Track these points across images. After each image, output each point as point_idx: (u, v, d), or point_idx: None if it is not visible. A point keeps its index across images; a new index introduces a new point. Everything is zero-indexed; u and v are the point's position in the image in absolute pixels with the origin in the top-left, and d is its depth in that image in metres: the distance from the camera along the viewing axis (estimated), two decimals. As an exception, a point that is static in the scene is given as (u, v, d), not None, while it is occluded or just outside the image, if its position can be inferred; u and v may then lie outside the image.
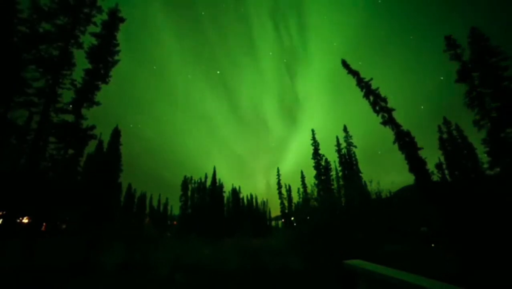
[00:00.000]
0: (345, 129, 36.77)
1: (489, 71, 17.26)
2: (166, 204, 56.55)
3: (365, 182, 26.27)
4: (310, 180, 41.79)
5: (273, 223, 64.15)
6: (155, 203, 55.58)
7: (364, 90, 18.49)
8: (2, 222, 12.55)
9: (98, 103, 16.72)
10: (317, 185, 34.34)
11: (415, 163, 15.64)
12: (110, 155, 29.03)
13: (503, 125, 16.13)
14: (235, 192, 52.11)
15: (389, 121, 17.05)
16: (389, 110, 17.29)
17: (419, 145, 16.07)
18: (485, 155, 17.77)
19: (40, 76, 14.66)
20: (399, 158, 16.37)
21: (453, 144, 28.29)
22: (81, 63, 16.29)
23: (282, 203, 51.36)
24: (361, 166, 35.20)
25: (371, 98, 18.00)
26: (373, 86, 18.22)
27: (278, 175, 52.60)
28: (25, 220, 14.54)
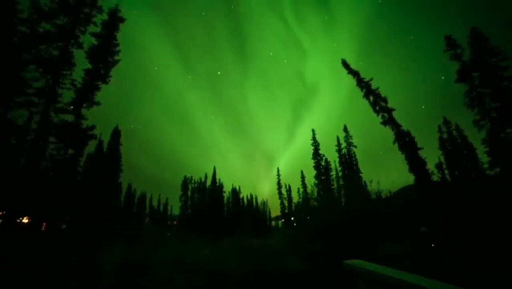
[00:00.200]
0: (345, 129, 36.78)
1: (489, 71, 17.26)
2: (166, 204, 56.58)
3: (365, 182, 26.28)
4: (310, 180, 41.83)
5: (273, 223, 64.15)
6: (155, 203, 55.65)
7: (364, 90, 18.49)
8: (2, 222, 12.56)
9: (98, 103, 16.72)
10: (317, 185, 34.34)
11: (415, 163, 15.64)
12: (110, 155, 29.04)
13: (503, 125, 16.13)
14: (235, 192, 52.12)
15: (389, 121, 17.05)
16: (389, 110, 17.29)
17: (419, 145, 16.08)
18: (485, 155, 17.78)
19: (40, 76, 14.67)
20: (400, 158, 16.39)
21: (453, 144, 28.29)
22: (81, 63, 16.30)
23: (282, 203, 51.41)
24: (361, 166, 35.23)
25: (371, 98, 18.00)
26: (373, 86, 18.23)
27: (278, 175, 52.66)
28: (25, 220, 14.54)
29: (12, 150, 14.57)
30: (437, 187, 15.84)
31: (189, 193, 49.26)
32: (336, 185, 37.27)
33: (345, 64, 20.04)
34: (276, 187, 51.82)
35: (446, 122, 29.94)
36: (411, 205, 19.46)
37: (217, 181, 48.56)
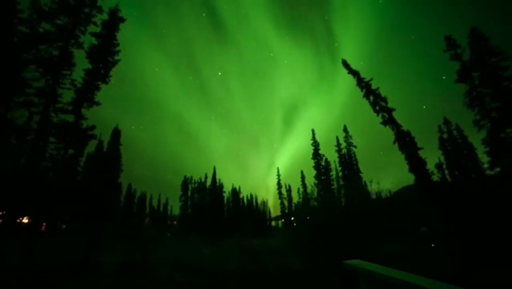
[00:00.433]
0: (345, 129, 36.79)
1: (489, 71, 17.25)
2: (166, 204, 56.55)
3: (365, 182, 26.27)
4: (310, 180, 41.81)
5: (273, 223, 64.13)
6: (155, 203, 55.60)
7: (364, 90, 18.50)
8: (2, 222, 12.55)
9: (98, 103, 16.73)
10: (317, 185, 34.34)
11: (415, 163, 15.65)
12: (110, 155, 29.03)
13: (503, 125, 16.13)
14: (235, 192, 52.09)
15: (389, 121, 17.05)
16: (389, 110, 17.29)
17: (419, 145, 16.09)
18: (485, 155, 17.78)
19: (40, 76, 14.67)
20: (400, 158, 16.39)
21: (453, 144, 28.27)
22: (81, 63, 16.30)
23: (282, 203, 51.41)
24: (361, 166, 35.25)
25: (371, 98, 18.01)
26: (373, 86, 18.24)
27: (278, 175, 52.67)
28: (25, 220, 14.53)
29: (12, 150, 14.57)
30: (437, 187, 15.84)
31: (189, 193, 49.24)
32: (336, 185, 37.26)
33: (345, 64, 20.05)
34: (276, 187, 51.88)
35: (446, 122, 29.92)
36: (411, 205, 19.46)
37: (217, 181, 48.57)
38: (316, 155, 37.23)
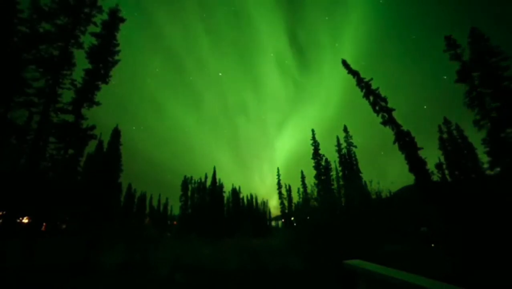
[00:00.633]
0: (345, 129, 36.79)
1: (489, 71, 17.26)
2: (166, 204, 56.57)
3: (365, 182, 26.28)
4: (310, 180, 41.82)
5: (273, 223, 64.15)
6: (155, 203, 55.62)
7: (364, 90, 18.51)
8: (2, 222, 12.56)
9: (98, 103, 16.73)
10: (317, 185, 34.34)
11: (415, 163, 15.65)
12: (110, 155, 29.03)
13: (503, 125, 16.13)
14: (235, 192, 52.11)
15: (389, 121, 17.06)
16: (389, 110, 17.30)
17: (419, 145, 16.10)
18: (485, 155, 17.78)
19: (40, 76, 14.67)
20: (400, 158, 16.39)
21: (453, 144, 28.28)
22: (81, 63, 16.31)
23: (282, 203, 51.43)
24: (362, 166, 35.26)
25: (371, 98, 18.01)
26: (373, 86, 18.25)
27: (278, 175, 52.68)
28: (25, 220, 14.53)
29: (12, 150, 14.57)
30: (437, 187, 15.85)
31: (189, 193, 49.25)
32: (336, 185, 37.26)
33: (345, 64, 20.06)
34: (276, 187, 51.89)
35: (446, 122, 29.94)
36: (411, 205, 19.46)
37: (217, 181, 48.59)
38: (316, 155, 37.23)
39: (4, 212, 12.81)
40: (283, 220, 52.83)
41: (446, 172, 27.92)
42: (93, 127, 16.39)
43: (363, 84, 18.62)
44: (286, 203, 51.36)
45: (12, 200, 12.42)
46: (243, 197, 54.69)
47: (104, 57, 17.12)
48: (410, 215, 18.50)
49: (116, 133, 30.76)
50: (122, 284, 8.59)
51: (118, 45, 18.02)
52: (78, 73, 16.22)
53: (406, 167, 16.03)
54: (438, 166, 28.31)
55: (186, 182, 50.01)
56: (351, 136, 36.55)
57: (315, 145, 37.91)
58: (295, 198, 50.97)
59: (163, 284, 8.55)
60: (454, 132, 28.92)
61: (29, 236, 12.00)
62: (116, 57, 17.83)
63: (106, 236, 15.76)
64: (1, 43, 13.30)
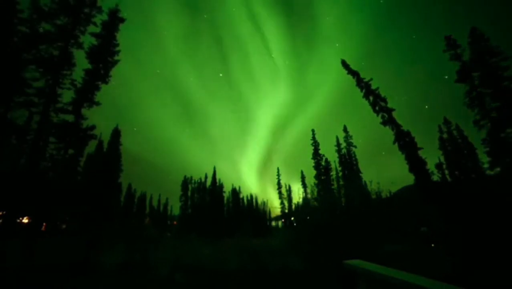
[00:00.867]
0: (345, 129, 36.80)
1: (489, 71, 17.26)
2: (166, 204, 56.56)
3: (365, 182, 26.31)
4: (310, 180, 41.84)
5: (273, 223, 64.14)
6: (155, 203, 55.59)
7: (364, 90, 18.49)
8: (2, 222, 12.56)
9: (98, 103, 16.74)
10: (317, 185, 34.35)
11: (415, 163, 15.65)
12: (110, 155, 29.04)
13: (503, 125, 16.13)
14: (235, 192, 52.09)
15: (389, 121, 17.05)
16: (389, 110, 17.29)
17: (419, 145, 16.09)
18: (485, 155, 17.79)
19: (40, 76, 14.68)
20: (401, 158, 16.39)
21: (453, 144, 28.29)
22: (81, 63, 16.31)
23: (282, 203, 51.43)
24: (363, 166, 35.28)
25: (371, 98, 18.00)
26: (373, 86, 18.24)
27: (278, 174, 52.67)
28: (25, 220, 14.53)
29: (12, 150, 14.57)
30: (437, 187, 15.84)
31: (189, 193, 49.24)
32: (336, 185, 37.26)
33: (344, 64, 20.04)
34: (276, 187, 51.89)
35: (446, 122, 29.94)
36: (411, 205, 19.47)
37: (217, 181, 48.58)
38: (316, 155, 37.23)
39: (4, 212, 12.81)
40: (283, 220, 52.84)
41: (446, 172, 27.94)
42: (93, 127, 16.40)
43: (363, 85, 18.61)
44: (286, 203, 51.39)
45: (12, 200, 12.42)
46: (243, 197, 54.71)
47: (104, 57, 17.13)
48: (410, 215, 18.51)
49: (116, 133, 30.77)
50: (122, 284, 8.59)
51: (118, 45, 18.03)
52: (78, 73, 16.24)
53: (406, 166, 16.03)
54: (438, 166, 28.33)
55: (186, 182, 50.01)
56: (351, 136, 36.58)
57: (315, 145, 37.91)
58: (295, 198, 51.06)
59: (163, 284, 8.55)
60: (454, 132, 28.93)
61: (29, 236, 12.00)
62: (116, 57, 17.85)
63: (106, 236, 15.76)
64: (1, 43, 13.30)
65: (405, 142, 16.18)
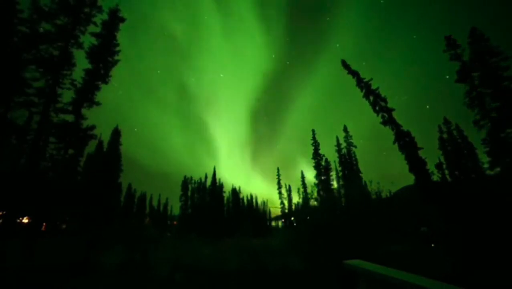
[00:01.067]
0: (345, 129, 36.79)
1: (489, 71, 17.25)
2: (166, 204, 56.56)
3: (365, 182, 26.32)
4: (310, 180, 41.86)
5: (273, 223, 64.14)
6: (155, 203, 55.62)
7: (364, 90, 18.48)
8: (2, 222, 12.55)
9: (98, 103, 16.73)
10: (317, 185, 34.37)
11: (415, 163, 15.64)
12: (110, 155, 29.03)
13: (503, 125, 16.13)
14: (235, 192, 52.08)
15: (389, 121, 17.04)
16: (389, 110, 17.28)
17: (419, 145, 16.08)
18: (485, 155, 17.78)
19: (40, 76, 14.67)
20: (401, 158, 16.37)
21: (453, 144, 28.28)
22: (81, 63, 16.30)
23: (282, 203, 51.43)
24: (363, 166, 35.25)
25: (371, 98, 17.99)
26: (373, 87, 18.23)
27: (278, 174, 52.67)
28: (25, 220, 14.53)
29: (12, 150, 14.56)
30: (437, 187, 15.84)
31: (189, 193, 49.24)
32: (336, 185, 37.27)
33: (344, 64, 20.04)
34: (276, 187, 51.90)
35: (446, 122, 29.93)
36: (411, 205, 19.47)
37: (217, 181, 48.57)
38: (316, 155, 37.21)
39: (4, 212, 12.80)
40: (283, 220, 52.84)
41: (446, 172, 27.93)
42: (93, 127, 16.39)
43: (363, 85, 18.60)
44: (286, 203, 51.39)
45: (12, 200, 12.41)
46: (243, 197, 54.70)
47: (104, 57, 17.11)
48: (410, 215, 18.51)
49: (116, 133, 30.76)
50: (122, 284, 8.59)
51: (118, 45, 18.01)
52: (78, 73, 16.23)
53: (406, 166, 16.02)
54: (438, 166, 28.31)
55: (186, 182, 50.01)
56: (351, 136, 36.57)
57: (315, 145, 37.90)
58: (295, 198, 51.07)
59: (163, 284, 8.55)
60: (454, 132, 28.92)
61: (29, 236, 11.99)
62: (116, 57, 17.83)
63: (106, 236, 15.76)
64: (1, 43, 13.30)
65: (405, 142, 16.17)
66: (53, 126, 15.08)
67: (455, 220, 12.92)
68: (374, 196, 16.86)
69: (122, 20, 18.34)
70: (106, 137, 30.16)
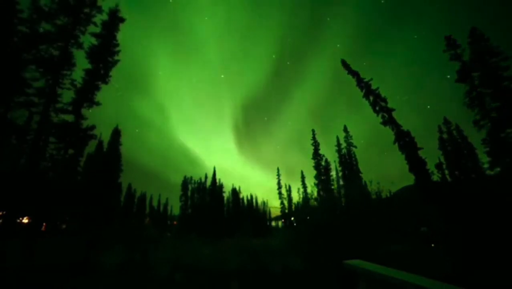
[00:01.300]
0: (345, 129, 36.79)
1: (489, 71, 17.26)
2: (166, 204, 56.57)
3: (365, 182, 26.31)
4: (310, 180, 41.88)
5: (273, 223, 64.13)
6: (155, 203, 55.61)
7: (364, 90, 18.49)
8: (2, 222, 12.55)
9: (98, 103, 16.74)
10: (317, 185, 34.39)
11: (415, 163, 15.64)
12: (110, 155, 29.03)
13: (503, 125, 16.13)
14: (235, 192, 52.08)
15: (389, 121, 17.04)
16: (389, 110, 17.28)
17: (419, 145, 16.08)
18: (485, 155, 17.78)
19: (40, 76, 14.67)
20: (401, 158, 16.37)
21: (453, 144, 28.28)
22: (81, 63, 16.31)
23: (282, 203, 51.42)
24: (363, 166, 35.26)
25: (371, 98, 17.99)
26: (373, 87, 18.23)
27: (278, 174, 52.66)
28: (25, 220, 14.53)
29: (12, 150, 14.56)
30: (437, 187, 15.83)
31: (189, 193, 49.26)
32: (336, 185, 37.27)
33: (344, 64, 20.04)
34: (277, 187, 51.89)
35: (446, 122, 29.94)
36: (411, 205, 19.47)
37: (217, 181, 48.57)
38: (316, 155, 37.22)
39: (4, 212, 12.80)
40: (283, 220, 52.83)
41: (446, 172, 27.93)
42: (93, 127, 16.39)
43: (363, 85, 18.60)
44: (286, 203, 51.38)
45: (12, 200, 12.42)
46: (243, 197, 54.70)
47: (104, 57, 17.12)
48: (410, 215, 18.51)
49: (116, 133, 30.76)
50: (122, 284, 8.59)
51: (118, 45, 18.02)
52: (78, 73, 16.24)
53: (406, 166, 16.02)
54: (438, 166, 28.31)
55: (186, 182, 50.03)
56: (351, 136, 36.57)
57: (315, 145, 37.91)
58: (295, 198, 51.07)
59: (163, 284, 8.54)
60: (454, 132, 28.93)
61: (29, 236, 12.00)
62: (116, 57, 17.84)
63: (106, 236, 15.76)
64: (1, 43, 13.30)
65: (405, 142, 16.17)
66: (53, 126, 15.08)
67: (455, 220, 12.92)
68: (374, 196, 16.86)
69: (122, 20, 18.35)
70: (106, 137, 30.19)
